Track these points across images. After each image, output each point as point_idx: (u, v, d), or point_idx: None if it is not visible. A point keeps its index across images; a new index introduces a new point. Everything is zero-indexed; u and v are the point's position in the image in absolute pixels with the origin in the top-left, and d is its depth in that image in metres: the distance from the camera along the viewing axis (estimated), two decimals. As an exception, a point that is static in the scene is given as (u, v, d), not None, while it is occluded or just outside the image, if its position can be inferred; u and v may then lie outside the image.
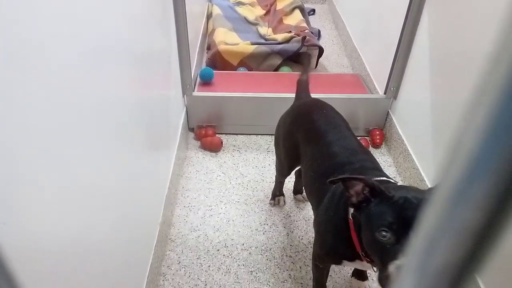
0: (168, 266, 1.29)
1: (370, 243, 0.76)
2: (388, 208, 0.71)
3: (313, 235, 1.05)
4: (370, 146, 1.81)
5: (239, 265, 1.30)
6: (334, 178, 0.78)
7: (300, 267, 1.30)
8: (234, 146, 1.81)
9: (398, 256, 0.68)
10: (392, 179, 0.90)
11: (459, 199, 0.14)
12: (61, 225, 0.61)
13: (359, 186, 0.76)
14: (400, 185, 0.84)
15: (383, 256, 0.71)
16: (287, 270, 1.29)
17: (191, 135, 1.84)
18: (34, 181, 0.53)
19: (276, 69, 2.25)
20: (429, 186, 1.46)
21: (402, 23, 1.58)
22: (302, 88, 1.29)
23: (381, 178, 0.86)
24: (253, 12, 2.75)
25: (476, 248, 0.15)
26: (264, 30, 2.53)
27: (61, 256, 0.62)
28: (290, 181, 1.53)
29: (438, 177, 0.15)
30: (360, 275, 1.24)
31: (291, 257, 1.33)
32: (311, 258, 1.32)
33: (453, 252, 0.15)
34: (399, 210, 0.70)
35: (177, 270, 1.28)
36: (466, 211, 0.14)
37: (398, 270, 0.67)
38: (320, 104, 1.18)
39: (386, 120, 1.83)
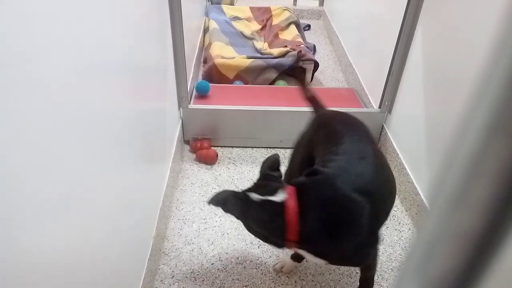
0: (161, 280, 1.26)
1: None
2: None
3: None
4: (365, 159, 1.81)
5: (233, 279, 1.28)
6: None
7: (295, 282, 1.28)
8: (230, 159, 1.80)
9: None
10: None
11: (457, 204, 0.14)
12: (52, 237, 0.60)
13: None
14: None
15: None
16: (282, 284, 1.27)
17: (187, 147, 1.84)
18: (26, 193, 0.52)
19: (272, 83, 2.26)
20: (424, 199, 1.46)
21: (396, 38, 1.60)
22: (315, 101, 1.27)
23: None
24: (249, 27, 2.78)
25: (476, 256, 0.14)
26: (260, 44, 2.55)
27: (51, 269, 0.60)
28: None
29: (436, 183, 0.15)
30: None
31: (286, 271, 1.31)
32: (306, 272, 1.30)
33: (452, 259, 0.15)
34: None
35: (170, 285, 1.25)
36: (465, 217, 0.14)
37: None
38: (346, 114, 1.18)
39: (380, 134, 1.84)
